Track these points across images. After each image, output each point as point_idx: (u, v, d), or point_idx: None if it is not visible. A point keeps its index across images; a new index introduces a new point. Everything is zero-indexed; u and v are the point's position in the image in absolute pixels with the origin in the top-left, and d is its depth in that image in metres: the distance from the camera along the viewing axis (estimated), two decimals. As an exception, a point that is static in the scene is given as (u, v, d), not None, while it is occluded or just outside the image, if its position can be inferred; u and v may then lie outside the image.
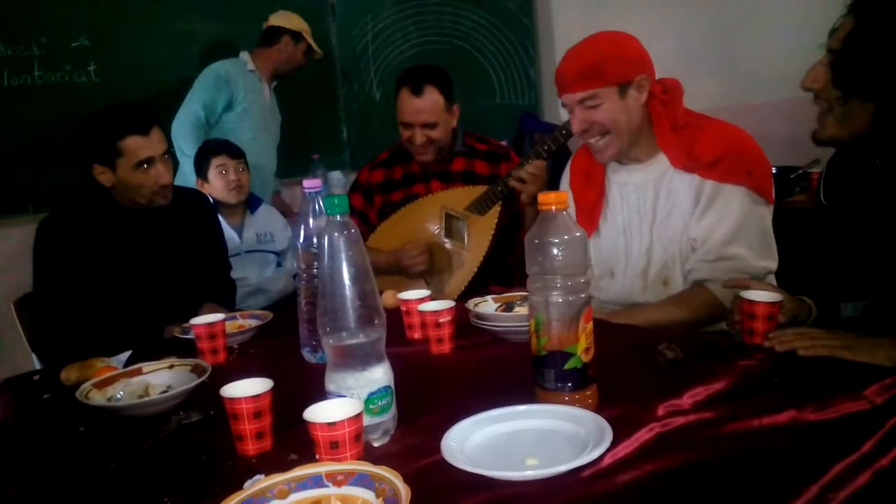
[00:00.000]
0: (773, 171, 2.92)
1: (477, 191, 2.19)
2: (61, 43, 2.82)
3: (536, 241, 1.02)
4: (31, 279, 1.92)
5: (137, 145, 1.81)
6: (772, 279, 1.66)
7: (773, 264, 1.63)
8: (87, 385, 1.25)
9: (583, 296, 1.01)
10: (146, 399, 1.20)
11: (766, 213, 1.63)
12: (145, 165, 1.83)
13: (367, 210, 2.37)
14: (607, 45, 1.59)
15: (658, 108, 1.63)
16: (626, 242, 1.72)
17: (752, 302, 1.27)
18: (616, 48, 1.59)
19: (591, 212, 1.75)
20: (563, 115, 2.06)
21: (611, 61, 1.57)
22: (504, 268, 2.26)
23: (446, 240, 2.23)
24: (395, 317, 1.45)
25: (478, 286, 2.13)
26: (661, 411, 0.98)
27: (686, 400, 1.00)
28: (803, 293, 1.42)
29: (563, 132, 2.00)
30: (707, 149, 1.60)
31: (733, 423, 0.92)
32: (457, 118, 2.30)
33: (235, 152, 2.62)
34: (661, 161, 1.67)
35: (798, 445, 0.86)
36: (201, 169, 2.60)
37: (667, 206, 1.66)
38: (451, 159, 2.32)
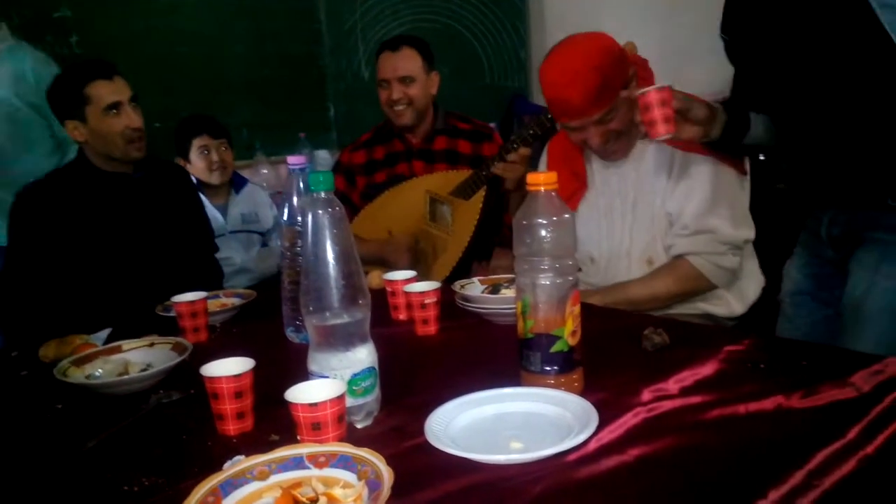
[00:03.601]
0: (762, 158, 2.92)
1: (461, 175, 2.18)
2: (43, 13, 2.75)
3: (524, 222, 1.00)
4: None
5: (103, 90, 1.85)
6: (750, 248, 1.68)
7: (750, 233, 1.64)
8: (65, 362, 1.23)
9: (570, 278, 1.00)
10: (125, 377, 1.17)
11: (736, 183, 1.64)
12: (114, 110, 1.85)
13: (350, 192, 2.35)
14: (604, 57, 1.53)
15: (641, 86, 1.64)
16: (609, 225, 1.71)
17: (642, 94, 1.33)
18: (609, 54, 1.54)
19: (570, 196, 1.75)
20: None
21: (615, 72, 1.53)
22: (488, 252, 2.25)
23: (431, 224, 2.21)
24: (381, 297, 1.43)
25: (462, 271, 2.12)
26: (647, 396, 0.97)
27: (672, 385, 1.00)
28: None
29: (549, 116, 1.98)
30: None
31: (719, 409, 0.91)
32: (436, 86, 2.31)
33: (217, 131, 2.57)
34: (640, 137, 1.67)
35: (784, 432, 0.85)
36: (182, 148, 2.55)
37: (646, 184, 1.66)
38: (434, 138, 2.31)
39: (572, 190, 1.75)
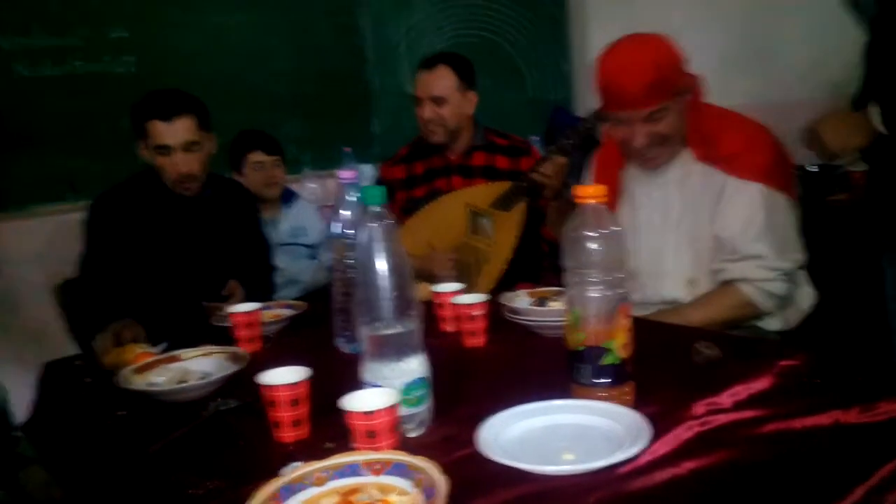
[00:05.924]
0: (815, 170, 2.88)
1: (500, 187, 2.19)
2: (101, 34, 2.85)
3: (573, 234, 1.01)
4: (70, 265, 1.96)
5: (157, 130, 1.87)
6: (803, 273, 1.65)
7: (800, 256, 1.62)
8: (127, 370, 1.27)
9: (620, 291, 1.00)
10: (185, 385, 1.21)
11: (788, 208, 1.62)
12: (164, 151, 1.88)
13: (390, 207, 2.37)
14: (664, 55, 1.55)
15: (691, 104, 1.63)
16: (647, 241, 1.70)
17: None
18: (672, 57, 1.56)
19: (611, 209, 1.74)
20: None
21: (673, 72, 1.55)
22: (531, 263, 2.25)
23: (472, 237, 2.23)
24: (428, 310, 1.45)
25: (506, 283, 2.12)
26: (699, 409, 0.96)
27: (726, 399, 0.99)
28: (842, 288, 1.42)
29: (587, 126, 1.99)
30: (726, 142, 1.61)
31: (775, 423, 0.90)
32: (473, 106, 2.31)
33: (272, 148, 2.64)
34: (685, 157, 1.66)
35: (842, 447, 0.84)
36: (236, 162, 2.62)
37: (690, 202, 1.65)
38: (472, 154, 2.33)
39: (613, 203, 1.74)
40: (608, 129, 1.67)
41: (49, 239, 2.64)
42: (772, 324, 1.62)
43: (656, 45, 1.57)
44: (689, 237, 1.65)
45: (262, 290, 1.97)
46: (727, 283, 1.59)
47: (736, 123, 1.65)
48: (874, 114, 1.43)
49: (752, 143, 1.61)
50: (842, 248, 1.75)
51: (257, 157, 2.60)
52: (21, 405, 1.51)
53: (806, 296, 1.67)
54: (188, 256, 1.96)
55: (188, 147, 1.89)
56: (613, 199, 1.75)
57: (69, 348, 1.93)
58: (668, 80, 1.53)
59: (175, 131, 1.87)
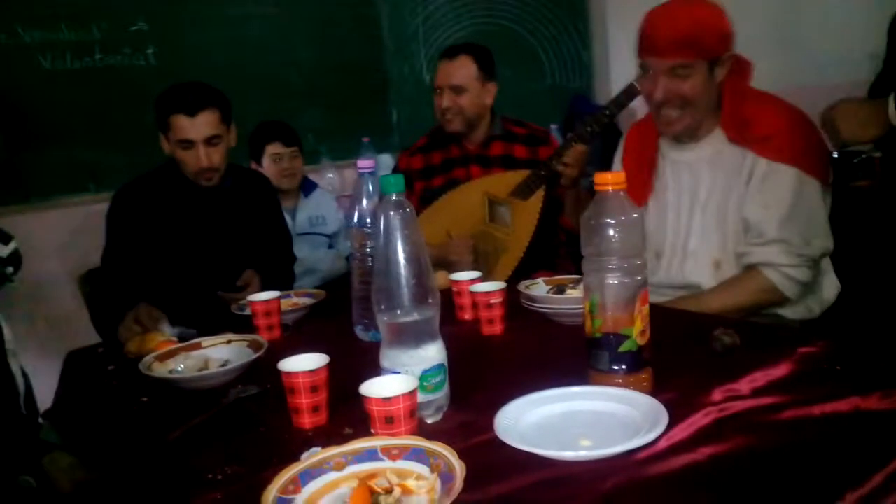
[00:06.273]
0: (835, 155, 2.84)
1: (519, 175, 2.18)
2: (121, 27, 2.88)
3: (592, 222, 1.01)
4: (94, 256, 1.99)
5: (181, 124, 1.87)
6: (828, 261, 1.63)
7: (828, 243, 1.60)
8: (149, 358, 1.29)
9: (639, 278, 1.00)
10: (206, 372, 1.23)
11: (819, 194, 1.60)
12: (186, 145, 1.88)
13: (408, 196, 2.37)
14: (708, 16, 1.56)
15: (731, 85, 1.61)
16: (675, 221, 1.68)
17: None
18: (716, 21, 1.56)
19: (640, 189, 1.73)
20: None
21: (710, 34, 1.54)
22: (549, 251, 2.25)
23: (490, 225, 2.22)
24: (446, 298, 1.45)
25: (524, 271, 2.12)
26: (718, 396, 0.96)
27: (744, 385, 0.99)
28: (863, 276, 1.40)
29: (607, 113, 1.98)
30: (762, 124, 1.59)
31: (794, 410, 0.90)
32: (492, 97, 2.31)
33: (290, 139, 2.66)
34: (717, 137, 1.64)
35: (862, 433, 0.84)
36: (255, 153, 2.65)
37: (719, 184, 1.63)
38: (490, 143, 2.32)
39: (643, 183, 1.73)
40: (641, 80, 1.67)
41: (72, 230, 2.68)
42: (794, 313, 1.61)
43: (704, 6, 1.57)
44: (717, 218, 1.63)
45: (282, 279, 1.98)
46: (751, 267, 1.58)
47: (774, 106, 1.63)
48: (891, 103, 1.40)
49: (788, 126, 1.58)
50: (864, 235, 1.72)
51: (275, 148, 2.62)
52: (45, 393, 1.53)
53: (830, 285, 1.65)
54: (209, 246, 1.98)
55: (210, 141, 1.90)
56: (644, 178, 1.73)
57: (92, 337, 1.96)
58: (702, 39, 1.53)
59: (198, 126, 1.87)
